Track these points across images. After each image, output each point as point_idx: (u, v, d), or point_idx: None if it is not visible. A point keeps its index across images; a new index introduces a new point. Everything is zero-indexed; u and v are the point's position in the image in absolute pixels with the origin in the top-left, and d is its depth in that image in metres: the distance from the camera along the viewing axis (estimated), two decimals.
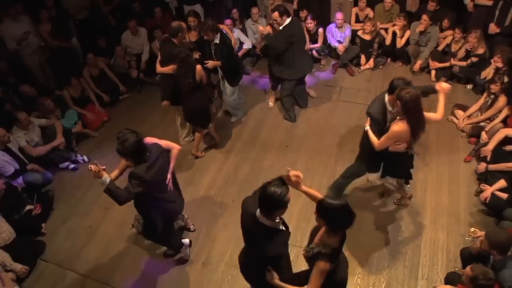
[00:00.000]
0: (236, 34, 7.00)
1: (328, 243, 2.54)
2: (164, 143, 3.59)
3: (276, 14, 5.04)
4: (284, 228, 2.68)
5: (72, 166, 5.47)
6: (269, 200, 2.44)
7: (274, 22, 5.17)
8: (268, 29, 5.42)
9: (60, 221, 4.79)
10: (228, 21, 6.80)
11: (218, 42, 5.11)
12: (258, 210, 2.55)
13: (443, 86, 3.62)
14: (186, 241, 4.13)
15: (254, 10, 6.99)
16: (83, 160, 5.57)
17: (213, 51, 5.23)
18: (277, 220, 2.60)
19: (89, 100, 6.31)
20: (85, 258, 4.34)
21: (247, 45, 7.07)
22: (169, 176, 3.60)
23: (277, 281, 2.69)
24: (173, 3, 7.76)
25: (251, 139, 5.69)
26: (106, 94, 6.47)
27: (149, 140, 3.51)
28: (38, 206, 4.68)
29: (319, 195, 2.75)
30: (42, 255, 4.39)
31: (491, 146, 4.67)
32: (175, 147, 3.67)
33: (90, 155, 5.64)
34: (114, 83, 6.67)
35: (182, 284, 4.02)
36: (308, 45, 6.83)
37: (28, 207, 4.62)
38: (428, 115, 3.53)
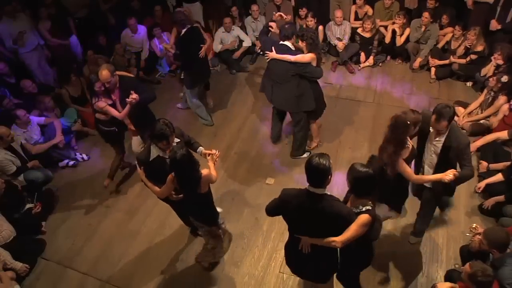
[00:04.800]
0: (235, 32, 6.99)
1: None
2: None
3: None
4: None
5: (71, 162, 5.48)
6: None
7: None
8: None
9: (60, 219, 4.80)
10: (227, 19, 6.79)
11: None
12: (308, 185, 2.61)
13: None
14: None
15: (254, 8, 6.96)
16: (83, 158, 5.58)
17: None
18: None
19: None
20: (85, 256, 4.35)
21: (247, 43, 7.06)
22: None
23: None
24: (171, 1, 7.74)
25: (251, 137, 5.69)
26: None
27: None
28: (38, 204, 4.68)
29: None
30: (43, 253, 4.41)
31: (479, 143, 4.73)
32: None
33: (89, 153, 5.65)
34: None
35: (182, 282, 4.02)
36: None
37: (28, 206, 4.62)
38: None
